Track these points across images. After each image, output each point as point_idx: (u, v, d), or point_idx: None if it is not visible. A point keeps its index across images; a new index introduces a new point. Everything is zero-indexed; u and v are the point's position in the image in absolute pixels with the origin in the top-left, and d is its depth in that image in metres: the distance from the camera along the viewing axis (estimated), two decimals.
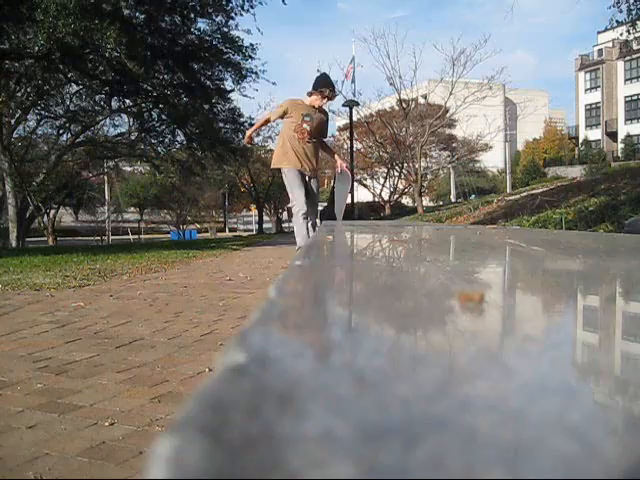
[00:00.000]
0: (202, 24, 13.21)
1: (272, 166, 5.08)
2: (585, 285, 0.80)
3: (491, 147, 26.28)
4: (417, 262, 1.19)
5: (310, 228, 4.93)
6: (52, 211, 22.64)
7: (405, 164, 23.45)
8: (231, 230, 39.30)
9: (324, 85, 4.91)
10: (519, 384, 0.29)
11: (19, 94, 14.27)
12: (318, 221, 5.13)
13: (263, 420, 0.22)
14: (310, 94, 4.87)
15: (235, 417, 0.22)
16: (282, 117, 4.99)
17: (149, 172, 27.03)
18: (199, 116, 13.78)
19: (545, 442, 0.21)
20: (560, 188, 11.75)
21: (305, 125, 4.90)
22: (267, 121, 5.34)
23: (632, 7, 9.75)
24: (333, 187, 5.23)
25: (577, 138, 41.95)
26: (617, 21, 10.30)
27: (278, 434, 0.21)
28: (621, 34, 11.25)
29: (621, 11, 9.89)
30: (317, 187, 5.15)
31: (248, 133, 5.44)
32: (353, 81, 22.93)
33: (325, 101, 4.92)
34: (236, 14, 12.86)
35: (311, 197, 5.00)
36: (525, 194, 12.79)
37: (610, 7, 9.88)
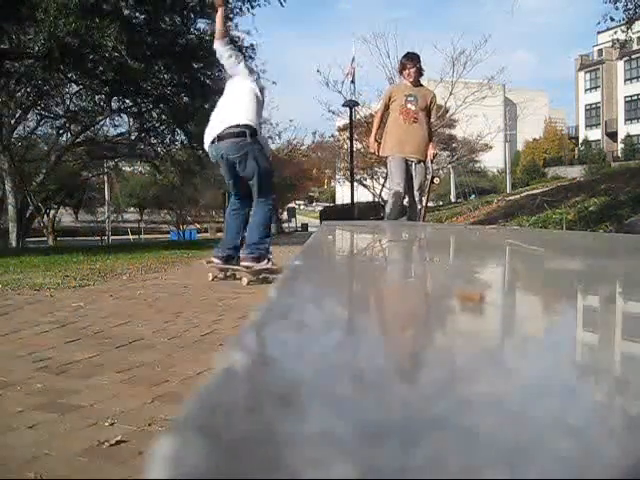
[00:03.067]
0: (202, 24, 13.22)
1: (380, 154, 5.10)
2: (585, 285, 0.80)
3: (491, 147, 26.28)
4: (417, 262, 1.19)
5: (407, 209, 4.92)
6: (52, 211, 22.64)
7: None
8: None
9: (405, 60, 4.88)
10: (519, 384, 0.29)
11: (19, 94, 14.27)
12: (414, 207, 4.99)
13: (263, 420, 0.22)
14: (400, 76, 4.92)
15: (235, 417, 0.22)
16: (388, 106, 4.91)
17: (149, 172, 27.02)
18: (199, 116, 13.78)
19: (545, 442, 0.21)
20: (560, 188, 11.76)
21: (410, 105, 4.83)
22: (381, 118, 5.10)
23: (629, 5, 9.75)
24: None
25: (577, 138, 41.97)
26: (611, 18, 10.30)
27: (278, 434, 0.21)
28: (615, 31, 11.26)
29: (617, 8, 9.90)
30: (423, 173, 4.98)
31: (371, 140, 5.12)
32: (353, 81, 22.94)
33: (411, 74, 4.82)
34: (235, 15, 12.87)
35: (413, 183, 4.89)
36: (525, 194, 12.80)
37: (606, 2, 9.89)
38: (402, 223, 4.65)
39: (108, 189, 29.62)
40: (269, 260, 3.94)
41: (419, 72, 4.95)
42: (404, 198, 4.96)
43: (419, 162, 4.94)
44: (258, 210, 3.91)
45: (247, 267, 3.98)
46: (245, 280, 4.05)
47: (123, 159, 21.97)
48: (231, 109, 3.89)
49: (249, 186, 3.93)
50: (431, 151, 5.01)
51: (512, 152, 38.14)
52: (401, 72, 4.96)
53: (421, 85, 5.07)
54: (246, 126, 3.80)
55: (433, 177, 5.13)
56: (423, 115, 4.90)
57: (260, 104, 3.94)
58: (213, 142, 3.90)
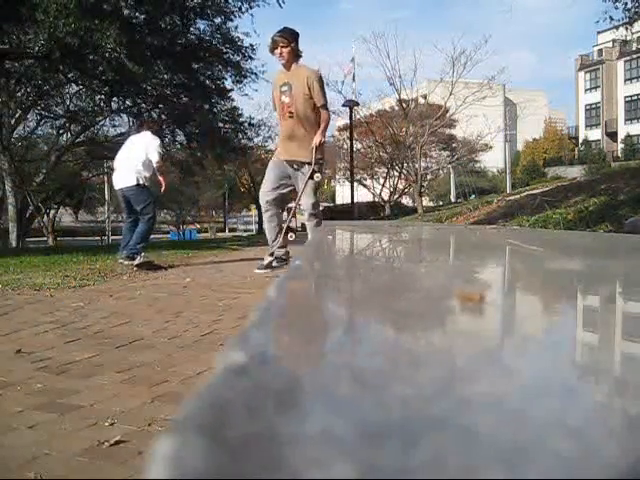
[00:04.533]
0: (202, 24, 13.23)
1: None
2: (585, 285, 0.80)
3: (491, 147, 26.28)
4: (417, 262, 1.19)
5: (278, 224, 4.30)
6: (52, 211, 22.64)
7: (405, 164, 23.44)
8: (231, 230, 39.30)
9: (276, 37, 4.12)
10: (519, 384, 0.29)
11: (19, 94, 14.27)
12: (309, 224, 4.31)
13: (263, 420, 0.22)
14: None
15: (235, 417, 0.22)
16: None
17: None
18: (199, 116, 13.79)
19: (545, 442, 0.21)
20: (560, 188, 11.75)
21: (284, 98, 4.14)
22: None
23: (630, 5, 9.75)
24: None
25: (577, 138, 41.96)
26: (611, 17, 10.29)
27: (278, 434, 0.21)
28: (613, 31, 11.26)
29: (617, 8, 9.89)
30: (306, 180, 4.17)
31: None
32: (353, 80, 22.96)
33: (284, 54, 4.09)
34: (235, 16, 12.87)
35: (291, 190, 4.32)
36: (525, 194, 12.79)
37: (605, 1, 9.88)
38: (402, 223, 4.57)
39: (108, 189, 29.58)
40: (141, 257, 5.37)
41: (294, 53, 4.14)
42: (282, 211, 4.45)
43: (302, 166, 4.21)
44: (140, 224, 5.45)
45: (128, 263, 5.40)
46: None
47: None
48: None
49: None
50: (316, 139, 4.12)
51: (512, 152, 38.13)
52: (272, 52, 4.15)
53: (300, 67, 4.20)
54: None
55: (314, 172, 4.12)
56: (303, 105, 4.09)
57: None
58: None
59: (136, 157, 5.34)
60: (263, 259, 4.60)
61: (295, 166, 4.26)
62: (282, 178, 4.30)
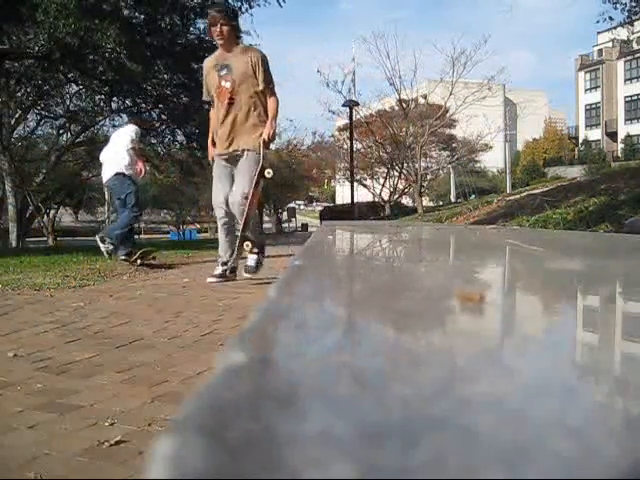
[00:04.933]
0: (202, 24, 13.23)
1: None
2: (585, 285, 0.80)
3: (491, 147, 26.31)
4: (417, 262, 1.19)
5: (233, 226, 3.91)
6: (52, 211, 22.64)
7: (405, 164, 23.46)
8: None
9: (214, 12, 3.73)
10: (519, 384, 0.29)
11: (19, 94, 14.28)
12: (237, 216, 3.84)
13: (263, 420, 0.22)
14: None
15: (235, 417, 0.22)
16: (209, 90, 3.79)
17: (149, 172, 26.96)
18: (199, 116, 13.79)
19: (545, 442, 0.21)
20: (560, 188, 11.75)
21: (224, 82, 3.66)
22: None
23: (629, 6, 9.76)
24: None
25: (577, 138, 41.97)
26: (610, 18, 10.30)
27: (278, 434, 0.21)
28: (612, 32, 11.26)
29: (616, 8, 9.90)
30: (251, 166, 3.68)
31: (209, 144, 4.12)
32: (353, 80, 22.97)
33: (224, 32, 3.63)
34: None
35: (235, 182, 3.79)
36: (525, 194, 12.79)
37: (605, 1, 9.89)
38: (402, 223, 4.52)
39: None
40: (110, 245, 5.52)
41: (235, 32, 3.73)
42: (229, 221, 3.91)
43: (244, 152, 3.71)
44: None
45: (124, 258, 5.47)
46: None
47: None
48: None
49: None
50: (266, 131, 3.65)
51: (512, 152, 38.15)
52: (209, 30, 3.75)
53: (241, 48, 3.79)
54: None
55: (264, 168, 3.68)
56: (247, 89, 3.63)
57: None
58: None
59: (119, 151, 5.35)
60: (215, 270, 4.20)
61: (237, 156, 3.77)
62: (232, 183, 3.83)
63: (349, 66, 24.14)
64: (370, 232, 2.66)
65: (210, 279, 4.16)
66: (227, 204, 3.79)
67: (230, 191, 3.81)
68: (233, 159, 3.79)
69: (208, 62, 3.91)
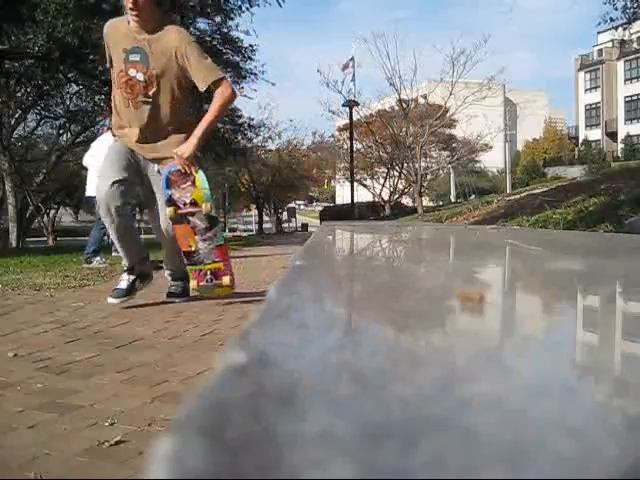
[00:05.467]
0: (202, 24, 13.23)
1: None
2: (585, 285, 0.80)
3: (491, 147, 26.30)
4: (417, 262, 1.19)
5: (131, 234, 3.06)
6: (52, 211, 22.65)
7: (405, 164, 23.45)
8: (231, 230, 39.29)
9: None
10: (519, 384, 0.29)
11: (19, 94, 14.29)
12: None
13: (263, 420, 0.22)
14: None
15: (235, 417, 0.22)
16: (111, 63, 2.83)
17: None
18: (199, 116, 13.76)
19: (545, 442, 0.21)
20: (560, 188, 11.74)
21: (133, 72, 2.72)
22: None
23: (628, 6, 9.77)
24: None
25: (577, 138, 41.96)
26: (611, 18, 10.30)
27: (278, 434, 0.21)
28: (612, 33, 11.28)
29: (616, 9, 9.91)
30: (161, 184, 2.86)
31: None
32: (353, 80, 22.96)
33: (138, 3, 2.62)
34: (235, 15, 12.87)
35: (160, 204, 2.94)
36: (525, 194, 12.79)
37: (605, 2, 9.90)
38: (402, 223, 4.50)
39: None
40: (96, 261, 6.00)
41: (157, 7, 2.76)
42: (127, 206, 2.90)
43: (159, 161, 2.89)
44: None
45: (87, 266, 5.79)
46: None
47: None
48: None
49: None
50: (185, 150, 2.79)
51: (512, 152, 38.14)
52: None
53: (162, 28, 2.79)
54: None
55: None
56: (170, 82, 2.78)
57: None
58: None
59: (95, 164, 5.22)
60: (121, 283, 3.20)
61: (156, 165, 2.93)
62: (131, 173, 2.88)
63: (348, 68, 24.12)
64: (370, 232, 2.66)
65: (112, 299, 3.17)
66: (121, 199, 2.82)
67: (158, 209, 3.03)
68: (147, 162, 2.97)
69: (115, 29, 2.83)
